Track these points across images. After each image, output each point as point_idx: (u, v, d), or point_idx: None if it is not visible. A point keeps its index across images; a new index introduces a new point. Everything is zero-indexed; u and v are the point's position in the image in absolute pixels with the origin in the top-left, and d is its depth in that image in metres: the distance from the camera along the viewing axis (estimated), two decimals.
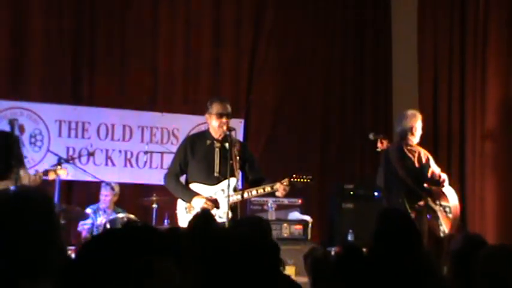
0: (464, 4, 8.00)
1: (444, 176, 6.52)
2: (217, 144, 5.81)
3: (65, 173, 6.25)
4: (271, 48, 8.76)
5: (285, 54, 8.83)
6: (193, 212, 5.42)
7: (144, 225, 2.02)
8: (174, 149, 6.33)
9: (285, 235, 7.06)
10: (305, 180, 5.66)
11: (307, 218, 7.34)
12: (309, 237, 7.13)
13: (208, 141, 5.84)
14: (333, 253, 4.31)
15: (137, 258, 1.65)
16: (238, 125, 7.75)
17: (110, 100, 8.05)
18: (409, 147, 6.51)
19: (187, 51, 8.46)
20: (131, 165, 8.04)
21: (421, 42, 8.52)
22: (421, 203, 6.42)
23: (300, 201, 7.66)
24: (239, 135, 7.68)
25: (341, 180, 8.23)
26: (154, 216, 6.95)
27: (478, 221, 7.46)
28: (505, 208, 7.30)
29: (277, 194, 5.74)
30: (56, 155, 6.76)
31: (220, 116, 5.75)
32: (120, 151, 8.00)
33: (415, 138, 6.57)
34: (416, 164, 6.47)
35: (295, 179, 5.63)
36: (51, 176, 6.00)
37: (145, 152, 7.85)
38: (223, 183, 5.68)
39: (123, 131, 8.03)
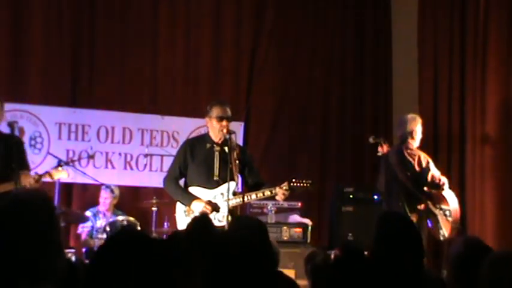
0: (464, 4, 8.00)
1: (444, 180, 6.52)
2: (217, 148, 5.81)
3: (66, 175, 6.24)
4: (271, 48, 8.76)
5: (285, 54, 8.83)
6: (192, 216, 5.41)
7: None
8: (174, 152, 6.32)
9: (285, 238, 7.05)
10: (305, 185, 5.66)
11: (307, 221, 7.34)
12: (309, 240, 7.13)
13: (208, 145, 5.84)
14: (332, 256, 4.30)
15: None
16: (238, 128, 7.75)
17: (110, 102, 8.05)
18: (409, 151, 6.52)
19: (187, 51, 8.46)
20: (131, 168, 8.03)
21: (421, 42, 8.52)
22: (421, 206, 6.42)
23: (299, 204, 7.65)
24: (239, 138, 7.68)
25: (341, 183, 8.23)
26: (154, 219, 6.94)
27: (477, 224, 7.46)
28: (504, 211, 7.30)
29: (276, 198, 5.74)
30: (56, 157, 6.76)
31: (220, 119, 5.75)
32: (120, 154, 8.00)
33: (415, 142, 6.58)
34: (417, 168, 6.47)
35: (295, 184, 5.63)
36: (50, 178, 5.98)
37: (145, 155, 7.85)
38: (223, 187, 5.68)
39: (123, 133, 8.02)
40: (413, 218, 6.12)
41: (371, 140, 7.01)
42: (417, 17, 8.59)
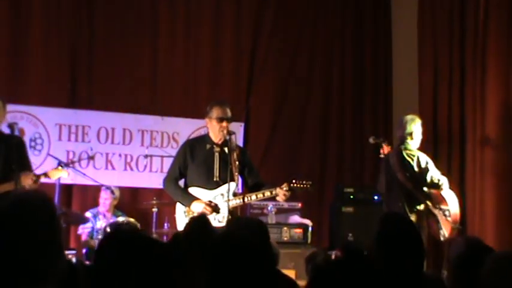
0: (464, 4, 7.99)
1: (443, 180, 6.52)
2: (217, 149, 5.81)
3: (66, 174, 6.24)
4: (271, 49, 8.76)
5: (284, 54, 8.83)
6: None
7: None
8: (174, 152, 6.32)
9: (285, 239, 7.06)
10: (305, 186, 5.66)
11: (307, 221, 7.34)
12: (309, 241, 7.13)
13: (208, 146, 5.84)
14: (333, 257, 4.30)
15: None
16: (238, 129, 7.76)
17: (110, 103, 8.05)
18: (408, 152, 6.52)
19: (187, 52, 8.46)
20: (131, 169, 8.03)
21: (421, 42, 8.51)
22: (421, 207, 6.42)
23: (300, 204, 7.66)
24: (239, 138, 7.68)
25: (341, 183, 8.23)
26: (154, 220, 6.94)
27: (477, 224, 7.45)
28: (504, 211, 7.29)
29: (277, 198, 5.74)
30: (56, 158, 6.76)
31: (220, 120, 5.75)
32: (120, 155, 8.00)
33: (414, 143, 6.58)
34: (416, 168, 6.47)
35: (295, 185, 5.63)
36: (49, 178, 5.98)
37: (146, 156, 7.85)
38: (223, 188, 5.68)
39: (123, 134, 8.03)
40: (413, 219, 6.13)
41: (371, 140, 7.01)
42: (417, 17, 8.59)
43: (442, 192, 6.48)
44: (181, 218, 5.78)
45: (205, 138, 5.95)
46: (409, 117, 6.67)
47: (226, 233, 3.02)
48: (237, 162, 5.61)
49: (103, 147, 7.91)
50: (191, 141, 6.27)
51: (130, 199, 7.93)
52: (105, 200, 7.44)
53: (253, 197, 5.73)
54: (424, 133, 6.74)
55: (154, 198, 7.11)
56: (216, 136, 5.81)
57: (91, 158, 7.37)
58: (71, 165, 6.89)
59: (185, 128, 8.10)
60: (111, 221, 7.13)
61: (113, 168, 7.97)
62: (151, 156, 7.91)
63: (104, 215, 7.41)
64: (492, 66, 7.54)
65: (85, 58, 8.06)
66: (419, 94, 8.49)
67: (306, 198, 7.71)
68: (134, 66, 8.22)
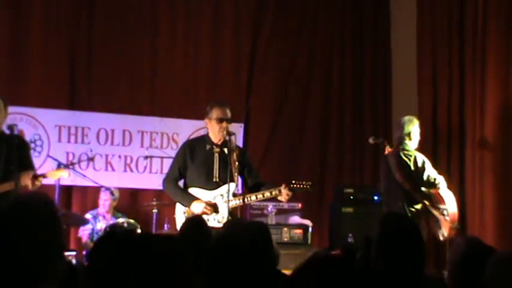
0: (463, 4, 7.99)
1: (440, 179, 6.54)
2: (217, 149, 5.81)
3: (67, 174, 6.24)
4: (270, 49, 8.76)
5: (284, 55, 8.83)
6: None
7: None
8: (174, 153, 6.32)
9: (285, 239, 7.06)
10: (305, 186, 5.66)
11: (307, 222, 7.34)
12: (309, 241, 7.13)
13: (208, 146, 5.84)
14: None
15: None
16: (238, 130, 7.75)
17: (110, 105, 8.04)
18: (405, 152, 6.54)
19: (186, 53, 8.45)
20: (131, 170, 8.03)
21: (420, 42, 8.51)
22: (419, 206, 6.43)
23: (300, 205, 7.66)
24: (239, 139, 7.68)
25: (341, 184, 8.23)
26: (154, 221, 6.94)
27: (477, 224, 7.45)
28: (504, 211, 7.29)
29: (279, 198, 5.74)
30: (56, 160, 6.76)
31: (220, 121, 5.75)
32: (119, 156, 7.99)
33: (413, 144, 6.60)
34: (413, 168, 6.49)
35: (295, 185, 5.63)
36: (47, 178, 5.97)
37: (145, 157, 7.85)
38: (223, 188, 5.68)
39: (122, 136, 8.02)
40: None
41: (371, 140, 7.02)
42: (416, 17, 8.59)
43: (440, 192, 6.50)
44: (181, 218, 5.77)
45: (205, 139, 5.94)
46: (407, 118, 6.70)
47: (225, 235, 3.01)
48: (236, 163, 5.61)
49: (103, 149, 7.91)
50: (191, 141, 6.26)
51: (130, 200, 7.93)
52: (105, 201, 7.43)
53: (253, 197, 5.73)
54: (423, 133, 6.75)
55: (154, 199, 7.11)
56: (215, 137, 5.81)
57: (91, 159, 7.37)
58: (70, 167, 6.90)
59: (185, 129, 8.10)
60: (111, 222, 7.13)
61: (113, 170, 7.96)
62: (151, 157, 7.90)
63: (104, 217, 7.41)
64: (491, 66, 7.54)
65: (84, 58, 8.05)
66: (418, 94, 8.49)
67: (306, 199, 7.71)
68: (134, 67, 8.21)
